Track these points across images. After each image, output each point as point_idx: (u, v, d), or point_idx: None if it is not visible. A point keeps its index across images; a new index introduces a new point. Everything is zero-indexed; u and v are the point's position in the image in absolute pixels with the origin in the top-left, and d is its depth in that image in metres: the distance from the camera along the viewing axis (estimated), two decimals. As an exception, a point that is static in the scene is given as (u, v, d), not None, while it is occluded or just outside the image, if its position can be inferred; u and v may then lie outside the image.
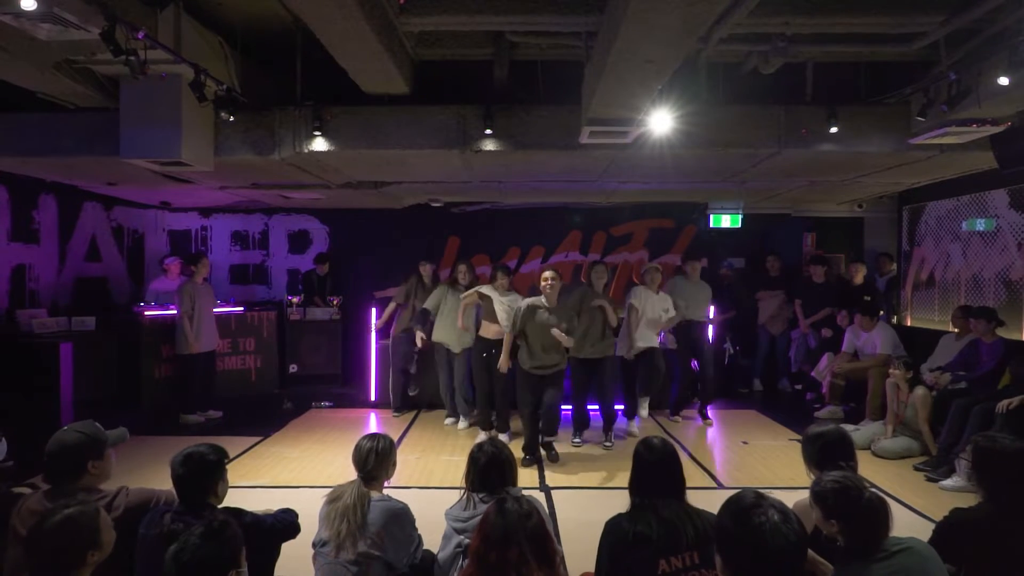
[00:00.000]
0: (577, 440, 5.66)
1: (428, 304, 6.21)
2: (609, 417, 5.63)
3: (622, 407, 6.17)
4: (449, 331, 6.14)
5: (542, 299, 5.02)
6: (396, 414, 6.68)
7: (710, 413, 6.56)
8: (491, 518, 1.88)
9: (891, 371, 5.42)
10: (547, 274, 5.05)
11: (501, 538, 1.82)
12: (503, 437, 5.59)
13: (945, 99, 4.43)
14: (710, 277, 8.03)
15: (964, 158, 5.47)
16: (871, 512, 1.93)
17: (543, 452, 5.20)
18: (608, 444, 5.57)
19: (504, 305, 5.48)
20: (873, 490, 2.03)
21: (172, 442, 4.93)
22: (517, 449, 5.18)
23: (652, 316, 5.88)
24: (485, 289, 5.62)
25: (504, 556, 1.79)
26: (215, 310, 7.15)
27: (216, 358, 6.91)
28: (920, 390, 5.24)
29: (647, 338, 5.91)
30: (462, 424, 6.26)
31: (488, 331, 5.63)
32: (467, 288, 5.99)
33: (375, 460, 2.57)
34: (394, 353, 6.69)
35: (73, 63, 4.41)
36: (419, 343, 6.30)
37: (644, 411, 6.11)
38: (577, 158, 5.45)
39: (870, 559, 1.88)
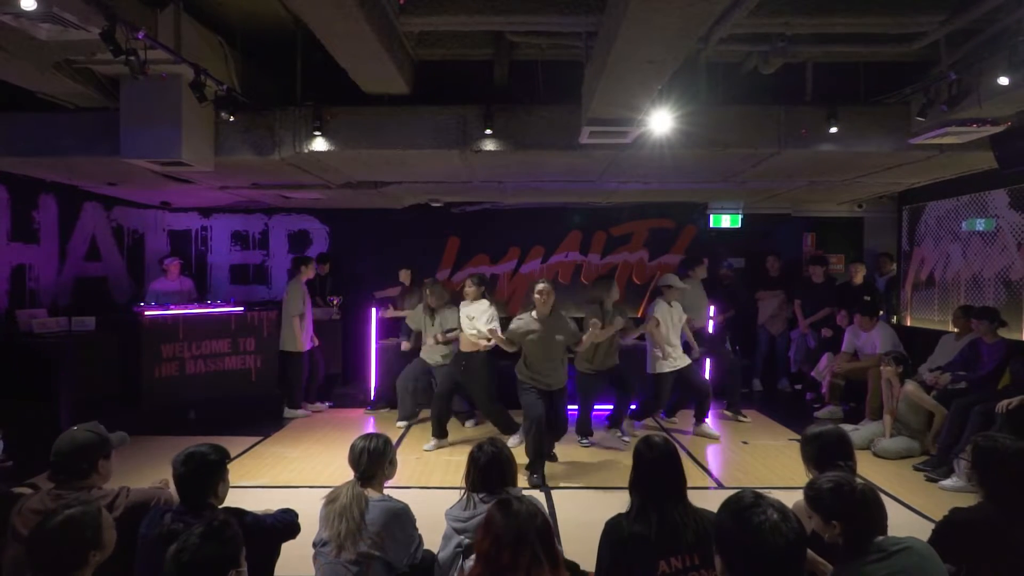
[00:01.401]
0: (585, 442, 5.66)
1: (410, 323, 6.34)
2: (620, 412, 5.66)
3: (633, 406, 6.18)
4: (432, 352, 6.10)
5: (533, 313, 4.92)
6: (400, 423, 6.42)
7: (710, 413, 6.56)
8: (498, 519, 1.84)
9: (882, 367, 5.42)
10: (540, 287, 4.92)
11: (514, 539, 1.78)
12: (514, 439, 5.57)
13: (945, 99, 4.42)
14: (710, 277, 8.06)
15: (964, 158, 5.47)
16: (865, 502, 1.95)
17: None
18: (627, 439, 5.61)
19: (465, 317, 5.48)
20: (861, 481, 2.04)
21: (172, 442, 4.93)
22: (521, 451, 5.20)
23: (674, 329, 5.87)
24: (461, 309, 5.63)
25: (516, 557, 1.76)
26: (215, 310, 7.18)
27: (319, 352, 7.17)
28: (910, 385, 5.23)
29: (679, 356, 5.87)
30: (469, 423, 6.30)
31: (465, 344, 5.51)
32: (436, 309, 5.98)
33: (368, 459, 2.57)
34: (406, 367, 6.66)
35: (73, 63, 4.41)
36: (403, 347, 6.39)
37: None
38: (577, 158, 5.45)
39: (869, 558, 1.88)
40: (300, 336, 6.64)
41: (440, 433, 5.62)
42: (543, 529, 1.84)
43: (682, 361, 5.88)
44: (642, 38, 3.20)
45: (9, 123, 5.16)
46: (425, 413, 6.59)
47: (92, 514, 1.95)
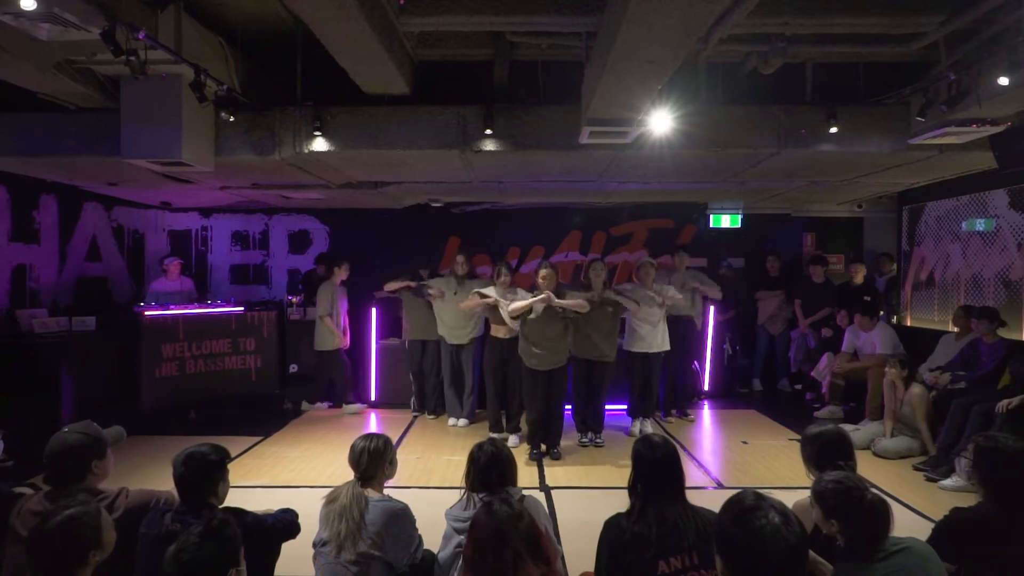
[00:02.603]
0: (585, 440, 5.64)
1: (430, 281, 6.39)
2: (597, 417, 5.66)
3: (625, 407, 6.16)
4: (450, 324, 6.20)
5: (539, 294, 5.02)
6: (416, 414, 6.74)
7: (707, 411, 6.57)
8: (481, 522, 1.87)
9: (886, 370, 5.43)
10: (543, 271, 5.10)
11: (495, 541, 1.80)
12: (514, 438, 5.60)
13: (944, 99, 4.42)
14: (709, 277, 8.05)
15: (963, 158, 5.47)
16: (872, 514, 1.93)
17: (544, 448, 5.24)
18: (599, 441, 5.59)
19: (506, 305, 5.46)
20: (874, 491, 2.02)
21: (172, 442, 4.93)
22: (524, 452, 5.21)
23: (647, 309, 5.74)
24: (488, 291, 5.58)
25: (500, 558, 1.77)
26: (215, 310, 7.19)
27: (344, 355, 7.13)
28: (916, 388, 5.25)
29: (648, 339, 5.83)
30: (463, 423, 6.27)
31: (499, 332, 5.61)
32: (463, 279, 6.16)
33: (368, 460, 2.57)
34: (411, 356, 6.77)
35: (74, 63, 4.42)
36: (435, 293, 6.24)
37: (648, 427, 5.92)
38: (577, 158, 5.45)
39: (869, 559, 1.88)
40: (327, 335, 6.78)
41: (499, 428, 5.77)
42: (526, 531, 1.85)
43: (654, 347, 5.81)
44: (642, 38, 3.20)
45: (9, 123, 5.16)
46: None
47: (92, 514, 1.95)
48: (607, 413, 5.87)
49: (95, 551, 1.92)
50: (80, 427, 2.50)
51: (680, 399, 6.61)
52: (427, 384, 6.66)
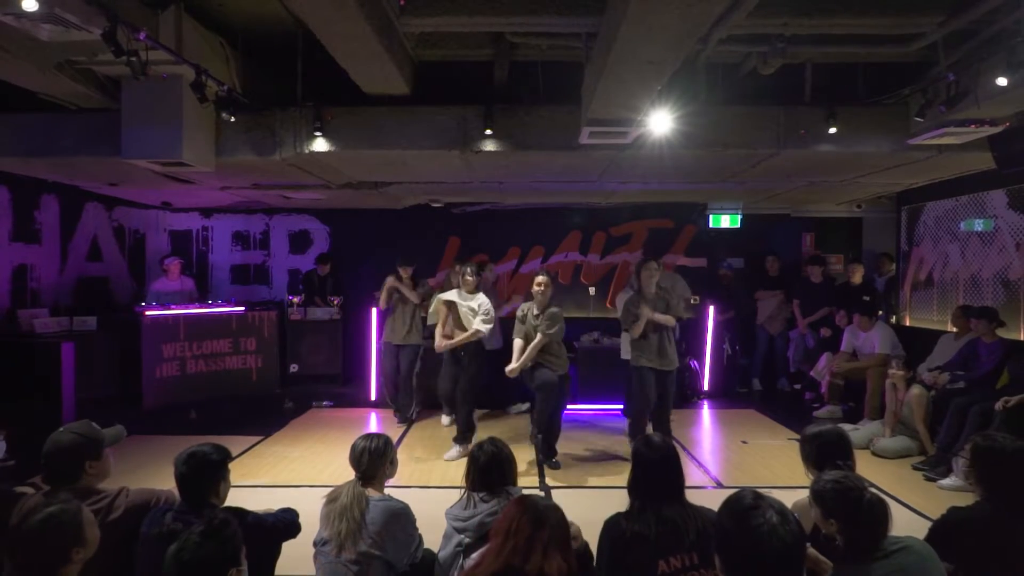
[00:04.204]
0: None
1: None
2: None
3: (622, 406, 6.17)
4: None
5: (532, 304, 4.90)
6: (400, 423, 6.39)
7: (707, 410, 6.56)
8: (522, 505, 1.92)
9: (889, 371, 5.45)
10: (539, 278, 4.88)
11: (535, 519, 1.85)
12: (451, 452, 5.44)
13: (943, 100, 4.43)
14: (709, 277, 8.07)
15: (962, 159, 5.48)
16: (871, 513, 1.94)
17: (542, 457, 5.04)
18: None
19: (465, 308, 5.25)
20: (873, 491, 2.03)
21: (173, 442, 4.94)
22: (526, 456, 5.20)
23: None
24: (448, 295, 5.37)
25: (536, 534, 1.82)
26: (216, 310, 7.20)
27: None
28: (916, 389, 5.26)
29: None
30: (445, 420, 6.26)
31: (457, 336, 5.32)
32: (468, 292, 5.64)
33: (368, 459, 2.58)
34: (385, 361, 6.53)
35: (75, 64, 4.43)
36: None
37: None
38: (577, 158, 5.46)
39: (868, 558, 1.89)
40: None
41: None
42: (559, 521, 1.90)
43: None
44: (642, 39, 3.21)
45: (11, 123, 5.17)
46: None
47: (72, 511, 1.93)
48: (605, 413, 5.85)
49: (78, 548, 1.90)
50: (76, 427, 2.48)
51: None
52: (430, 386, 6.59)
